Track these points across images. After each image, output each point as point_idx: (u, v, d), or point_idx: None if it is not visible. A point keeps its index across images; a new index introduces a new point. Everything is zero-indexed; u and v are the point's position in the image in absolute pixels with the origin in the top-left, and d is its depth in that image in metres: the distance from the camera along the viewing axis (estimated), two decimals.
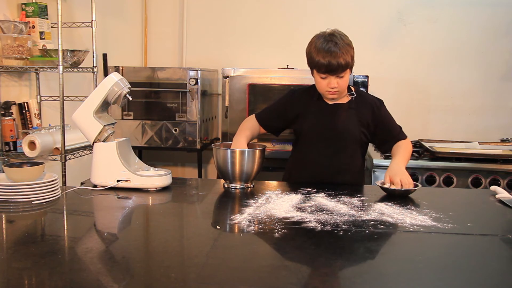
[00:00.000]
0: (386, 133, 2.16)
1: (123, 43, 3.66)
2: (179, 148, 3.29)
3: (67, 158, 2.44)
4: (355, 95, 2.13)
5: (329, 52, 1.94)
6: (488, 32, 3.48)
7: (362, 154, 2.20)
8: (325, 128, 2.10)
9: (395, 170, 1.93)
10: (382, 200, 1.77)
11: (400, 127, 2.19)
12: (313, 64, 2.01)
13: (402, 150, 2.09)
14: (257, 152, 1.95)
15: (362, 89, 2.97)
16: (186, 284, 1.08)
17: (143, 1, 3.76)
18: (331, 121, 2.09)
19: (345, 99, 2.13)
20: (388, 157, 2.86)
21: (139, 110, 3.30)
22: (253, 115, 2.24)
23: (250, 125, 2.18)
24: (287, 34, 3.63)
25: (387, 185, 1.88)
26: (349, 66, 1.98)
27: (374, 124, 2.12)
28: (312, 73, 2.07)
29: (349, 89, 2.13)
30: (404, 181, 1.87)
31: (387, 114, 2.17)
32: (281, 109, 2.20)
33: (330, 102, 2.12)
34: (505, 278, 1.17)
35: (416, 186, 1.88)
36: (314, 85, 2.15)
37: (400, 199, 1.79)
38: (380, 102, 2.17)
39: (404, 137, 2.17)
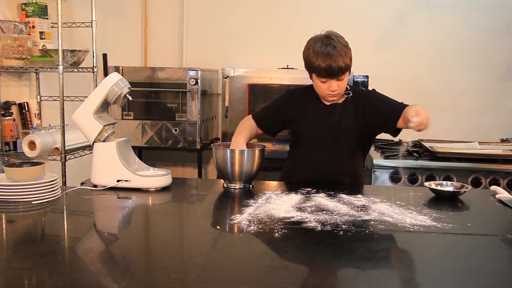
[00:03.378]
0: (390, 111, 2.01)
1: (123, 43, 3.66)
2: (179, 148, 3.29)
3: (67, 158, 2.44)
4: (351, 94, 2.09)
5: (329, 56, 1.91)
6: (488, 32, 3.48)
7: (363, 154, 2.19)
8: (323, 129, 2.08)
9: (418, 107, 1.82)
10: (382, 200, 1.77)
11: (401, 102, 2.06)
12: (312, 69, 1.98)
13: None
14: (257, 152, 1.95)
15: (359, 87, 2.97)
16: (186, 284, 1.08)
17: (143, 1, 3.76)
18: (329, 122, 2.08)
19: (341, 99, 2.12)
20: (388, 157, 2.87)
21: (139, 110, 3.30)
22: (250, 115, 2.24)
23: (248, 125, 2.18)
24: (287, 34, 3.63)
25: (433, 186, 1.90)
26: (348, 68, 1.96)
27: (372, 111, 2.05)
28: (311, 77, 2.04)
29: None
30: (423, 114, 1.77)
31: (379, 96, 2.10)
32: (279, 109, 2.19)
33: (327, 103, 2.10)
34: (505, 278, 1.17)
35: (464, 187, 1.88)
36: (311, 85, 2.15)
37: (401, 199, 1.79)
38: (371, 90, 2.14)
39: (407, 105, 2.02)
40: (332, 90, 1.98)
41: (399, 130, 2.07)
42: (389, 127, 2.07)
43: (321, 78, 1.97)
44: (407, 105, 2.04)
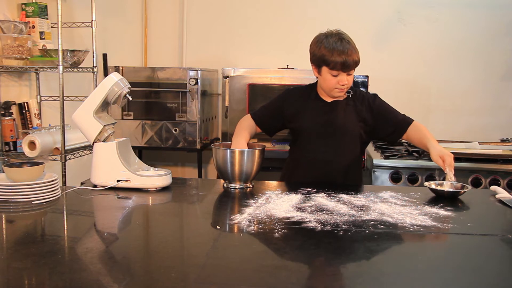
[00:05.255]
0: (389, 122, 2.14)
1: (123, 43, 3.66)
2: (179, 148, 3.29)
3: (67, 158, 2.44)
4: (351, 92, 2.15)
5: (344, 51, 1.98)
6: (488, 32, 3.48)
7: (361, 152, 2.21)
8: (323, 125, 2.10)
9: (442, 151, 1.95)
10: (382, 200, 1.77)
11: (404, 115, 2.18)
12: (326, 62, 2.01)
13: (429, 134, 2.08)
14: (257, 152, 1.95)
15: (359, 87, 2.98)
16: (186, 284, 1.08)
17: (143, 1, 3.76)
18: (329, 118, 2.10)
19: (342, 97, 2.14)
20: (388, 157, 2.87)
21: (139, 110, 3.30)
22: (249, 114, 2.25)
23: (247, 125, 2.19)
24: (287, 34, 3.63)
25: (433, 186, 1.91)
26: (359, 63, 2.04)
27: (372, 117, 2.13)
28: (319, 72, 2.07)
29: None
30: (451, 162, 1.91)
31: (383, 104, 2.18)
32: (277, 107, 2.20)
33: (328, 100, 2.12)
34: (505, 278, 1.17)
35: (464, 187, 1.87)
36: (310, 84, 2.18)
37: (401, 199, 1.79)
38: (374, 95, 2.20)
39: (411, 120, 2.15)
40: (342, 83, 2.04)
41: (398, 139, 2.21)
42: (393, 138, 2.20)
43: (333, 72, 2.02)
44: (412, 120, 2.16)
